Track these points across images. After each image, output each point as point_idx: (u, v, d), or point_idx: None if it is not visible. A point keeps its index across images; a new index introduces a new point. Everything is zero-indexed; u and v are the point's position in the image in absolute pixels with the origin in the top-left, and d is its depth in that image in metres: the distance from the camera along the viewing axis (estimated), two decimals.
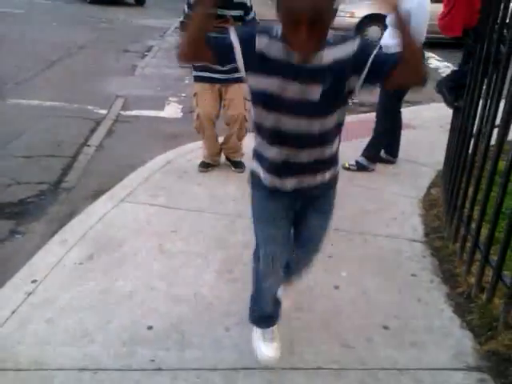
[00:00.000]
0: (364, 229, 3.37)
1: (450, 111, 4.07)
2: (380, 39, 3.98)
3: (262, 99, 1.67)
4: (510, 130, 2.50)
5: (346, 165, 4.24)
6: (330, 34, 1.55)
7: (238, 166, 4.21)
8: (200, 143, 4.30)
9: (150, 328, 2.39)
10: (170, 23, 12.43)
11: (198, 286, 2.72)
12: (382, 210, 3.66)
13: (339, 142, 1.82)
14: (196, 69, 3.92)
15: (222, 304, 2.58)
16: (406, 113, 5.50)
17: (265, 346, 2.17)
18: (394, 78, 1.53)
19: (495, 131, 2.63)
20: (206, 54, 1.61)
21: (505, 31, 2.70)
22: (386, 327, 2.48)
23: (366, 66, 1.55)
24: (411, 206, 3.74)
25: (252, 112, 1.75)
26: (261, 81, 1.63)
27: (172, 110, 6.09)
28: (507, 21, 2.73)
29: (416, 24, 3.89)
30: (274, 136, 1.72)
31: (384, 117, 4.30)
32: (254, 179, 1.88)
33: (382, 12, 1.65)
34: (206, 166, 4.20)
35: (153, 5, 16.84)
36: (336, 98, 1.63)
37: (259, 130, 1.76)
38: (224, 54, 1.63)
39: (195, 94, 4.00)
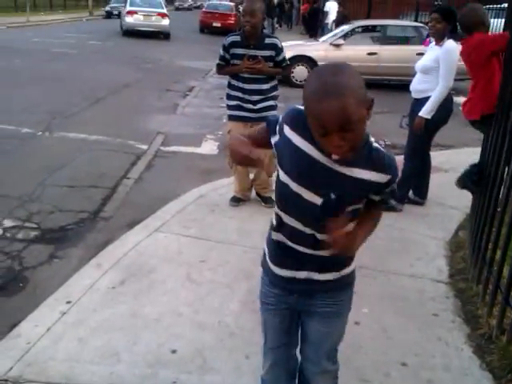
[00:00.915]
0: (388, 267, 3.42)
1: None
2: None
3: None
4: None
5: None
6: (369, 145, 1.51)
7: (267, 201, 4.35)
8: (232, 179, 4.47)
9: (174, 352, 2.50)
10: (211, 65, 12.91)
11: (223, 314, 2.82)
12: (408, 249, 3.70)
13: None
14: (230, 108, 4.14)
15: (244, 333, 2.67)
16: (439, 156, 5.57)
17: None
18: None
19: None
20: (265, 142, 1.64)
21: None
22: (404, 364, 2.51)
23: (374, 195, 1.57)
24: (437, 248, 3.76)
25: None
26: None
27: (208, 147, 6.33)
28: None
29: (444, 70, 4.03)
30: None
31: (413, 157, 4.37)
32: None
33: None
34: (236, 201, 4.35)
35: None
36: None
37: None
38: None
39: (229, 132, 4.21)
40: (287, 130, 1.54)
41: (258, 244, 3.63)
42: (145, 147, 6.11)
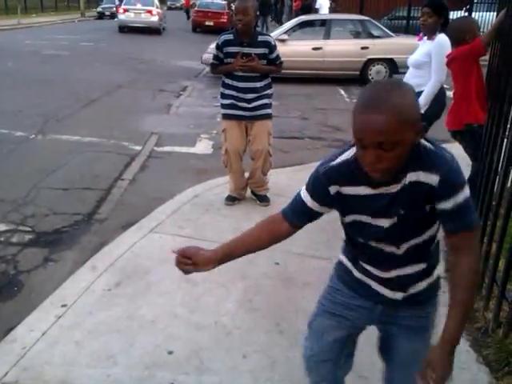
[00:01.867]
0: None
1: None
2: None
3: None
4: None
5: None
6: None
7: (262, 200, 4.34)
8: (227, 178, 4.46)
9: (170, 353, 2.49)
10: (203, 64, 12.89)
11: (219, 314, 2.81)
12: None
13: None
14: (224, 107, 4.13)
15: (241, 332, 2.66)
16: None
17: None
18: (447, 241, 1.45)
19: None
20: (284, 229, 1.62)
21: None
22: None
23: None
24: None
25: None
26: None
27: (203, 147, 6.31)
28: None
29: (436, 65, 4.03)
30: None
31: None
32: None
33: None
34: (232, 200, 4.34)
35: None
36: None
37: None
38: (303, 216, 1.59)
39: (223, 130, 4.19)
40: (336, 188, 1.48)
41: None
42: (139, 148, 6.09)
